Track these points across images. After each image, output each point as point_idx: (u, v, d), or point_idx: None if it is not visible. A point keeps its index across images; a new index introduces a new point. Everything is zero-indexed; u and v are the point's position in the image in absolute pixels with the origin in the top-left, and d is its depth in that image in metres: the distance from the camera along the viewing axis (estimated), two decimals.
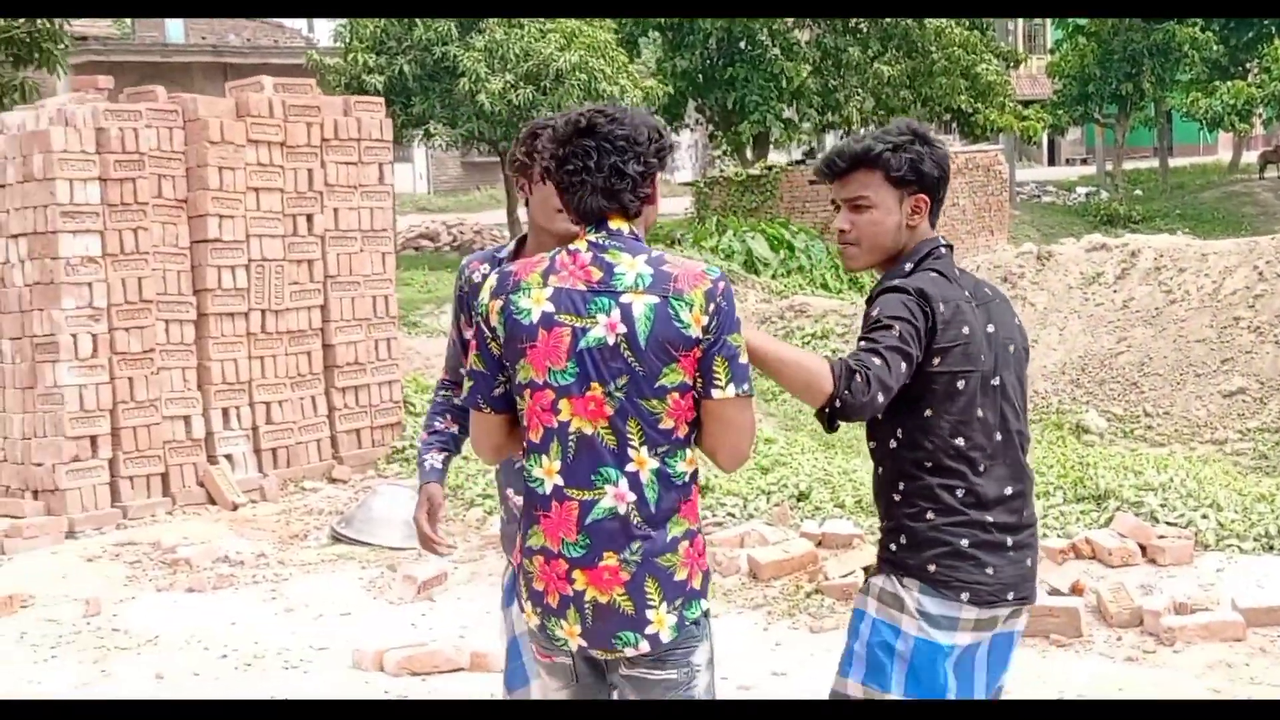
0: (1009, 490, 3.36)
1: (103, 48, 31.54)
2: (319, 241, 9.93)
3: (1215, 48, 37.22)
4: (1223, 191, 40.23)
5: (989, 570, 3.31)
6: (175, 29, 44.51)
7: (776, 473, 8.88)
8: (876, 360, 3.11)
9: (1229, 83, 35.81)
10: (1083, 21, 39.41)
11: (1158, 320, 14.80)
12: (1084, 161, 53.98)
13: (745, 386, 2.98)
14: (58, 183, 8.57)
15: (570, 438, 2.95)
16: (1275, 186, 39.76)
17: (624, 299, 2.92)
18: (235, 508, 9.14)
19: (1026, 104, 37.10)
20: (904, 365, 3.15)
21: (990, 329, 3.35)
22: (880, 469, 3.40)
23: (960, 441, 3.30)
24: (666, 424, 2.95)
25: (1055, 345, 15.16)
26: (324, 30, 45.61)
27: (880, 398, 3.10)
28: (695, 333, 2.91)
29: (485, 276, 3.59)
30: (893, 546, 3.35)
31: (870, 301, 3.34)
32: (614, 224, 2.99)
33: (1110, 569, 6.81)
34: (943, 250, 3.40)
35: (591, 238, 2.99)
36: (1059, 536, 7.20)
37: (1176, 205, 37.72)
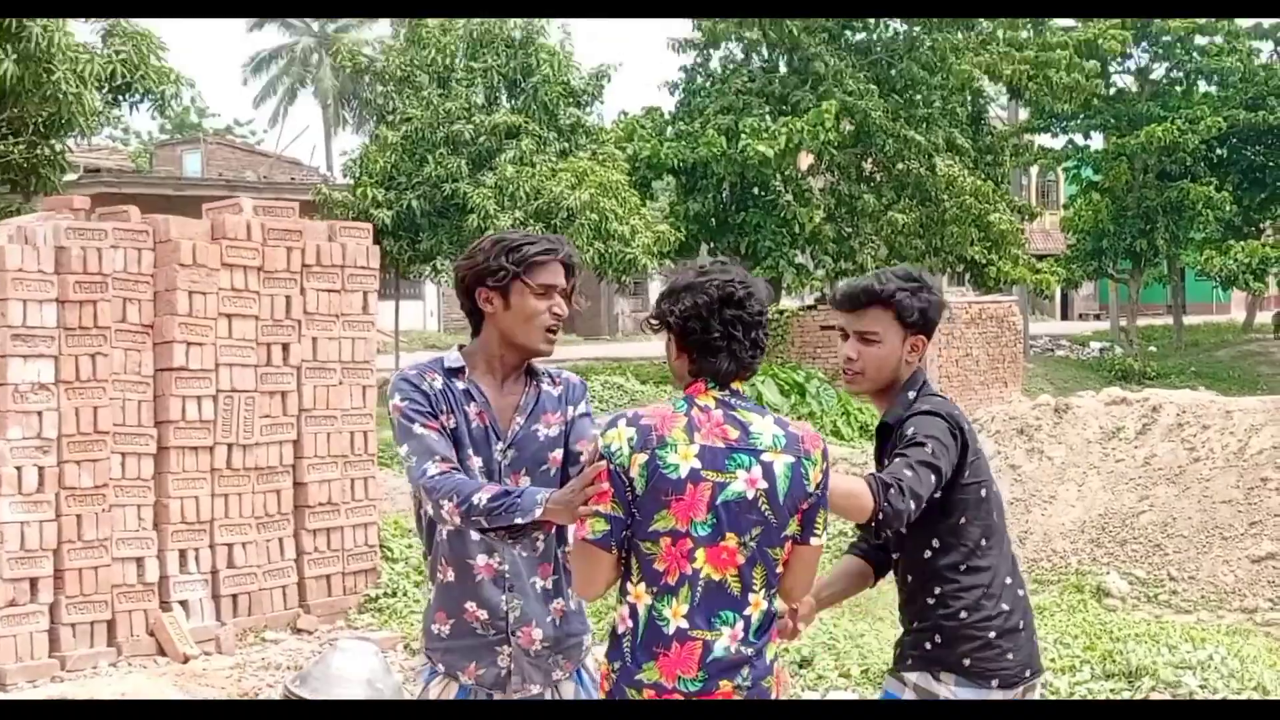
0: (1009, 580, 3.84)
1: (115, 180, 31.37)
2: (294, 372, 9.33)
3: (1229, 207, 36.99)
4: (1238, 350, 39.80)
5: (1010, 655, 3.75)
6: (192, 163, 44.76)
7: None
8: (908, 473, 3.53)
9: (1244, 242, 35.51)
10: (1096, 177, 39.30)
11: (1181, 479, 14.10)
12: (1097, 316, 53.71)
13: (827, 532, 3.41)
14: (10, 303, 7.99)
15: (700, 583, 3.25)
16: None
17: (765, 457, 3.27)
18: (186, 660, 8.40)
19: (1040, 257, 36.80)
20: (933, 478, 3.58)
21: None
22: (910, 577, 3.82)
23: (985, 543, 3.79)
24: (780, 569, 3.34)
25: (1074, 502, 14.45)
26: (341, 167, 45.57)
27: (913, 505, 3.51)
28: (813, 488, 3.32)
29: (443, 384, 3.65)
30: (928, 645, 3.75)
31: (897, 424, 3.75)
32: (735, 384, 3.33)
33: None
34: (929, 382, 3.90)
35: (718, 395, 3.30)
36: None
37: (1191, 362, 37.22)
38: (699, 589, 3.24)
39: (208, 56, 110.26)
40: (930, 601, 3.75)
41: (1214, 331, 44.11)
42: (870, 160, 29.48)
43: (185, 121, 62.43)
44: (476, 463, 3.62)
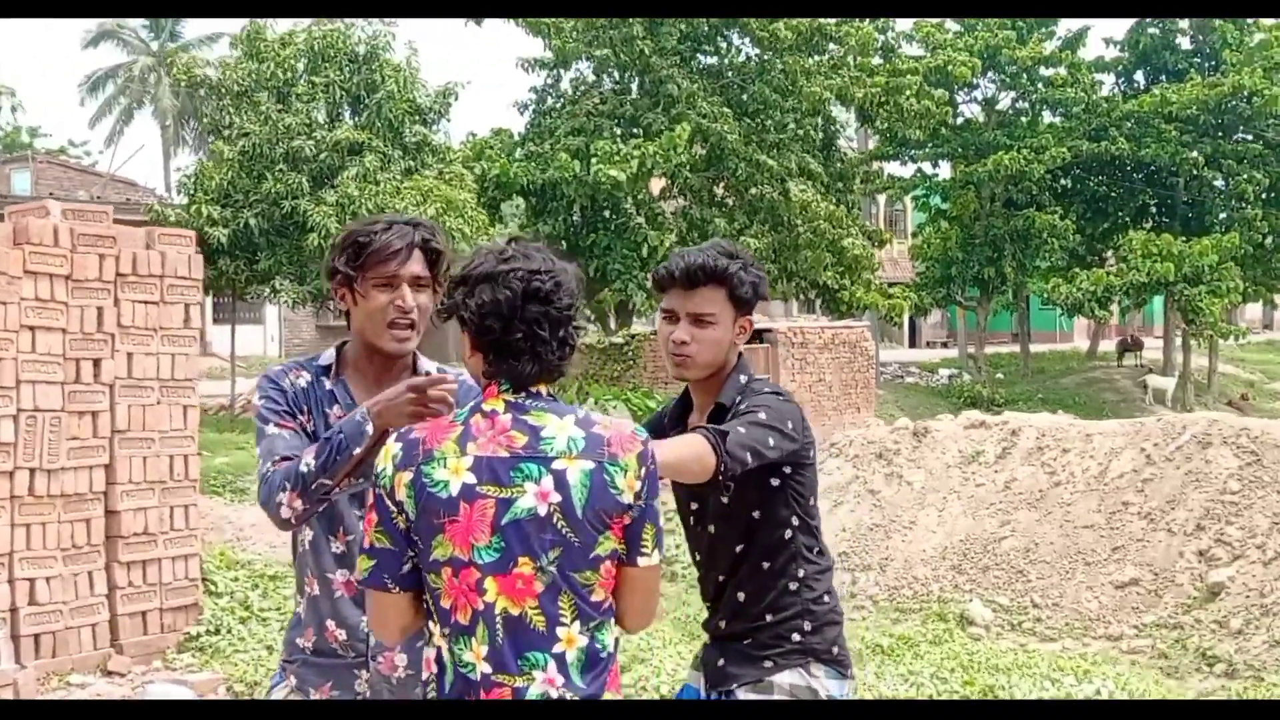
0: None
1: None
2: (107, 391, 8.51)
3: (1073, 236, 37.57)
4: (1083, 377, 40.42)
5: (846, 643, 3.59)
6: (21, 182, 43.00)
7: (635, 671, 7.59)
8: (741, 429, 3.29)
9: (1089, 270, 36.03)
10: (944, 205, 39.69)
11: (1042, 503, 13.88)
12: (944, 344, 54.28)
13: (663, 551, 2.91)
14: None
15: (497, 619, 2.74)
16: (1133, 374, 40.07)
17: (557, 464, 2.76)
18: None
19: (890, 285, 36.93)
20: (770, 438, 3.34)
21: None
22: (767, 563, 3.48)
23: (820, 524, 3.59)
24: (598, 595, 2.81)
25: (934, 527, 14.14)
26: (175, 184, 44.06)
27: (749, 458, 3.27)
28: (628, 499, 2.81)
29: (309, 383, 3.35)
30: (796, 637, 3.46)
31: (732, 404, 3.48)
32: (537, 385, 2.85)
33: None
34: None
35: (510, 398, 2.81)
36: None
37: (1039, 389, 37.64)
38: (497, 626, 2.74)
39: (41, 75, 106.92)
40: (793, 586, 3.49)
41: (1059, 359, 44.77)
42: (723, 184, 29.19)
43: (16, 141, 60.18)
44: None
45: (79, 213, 8.67)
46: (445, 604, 2.78)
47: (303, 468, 3.11)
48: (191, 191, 22.72)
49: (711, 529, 3.56)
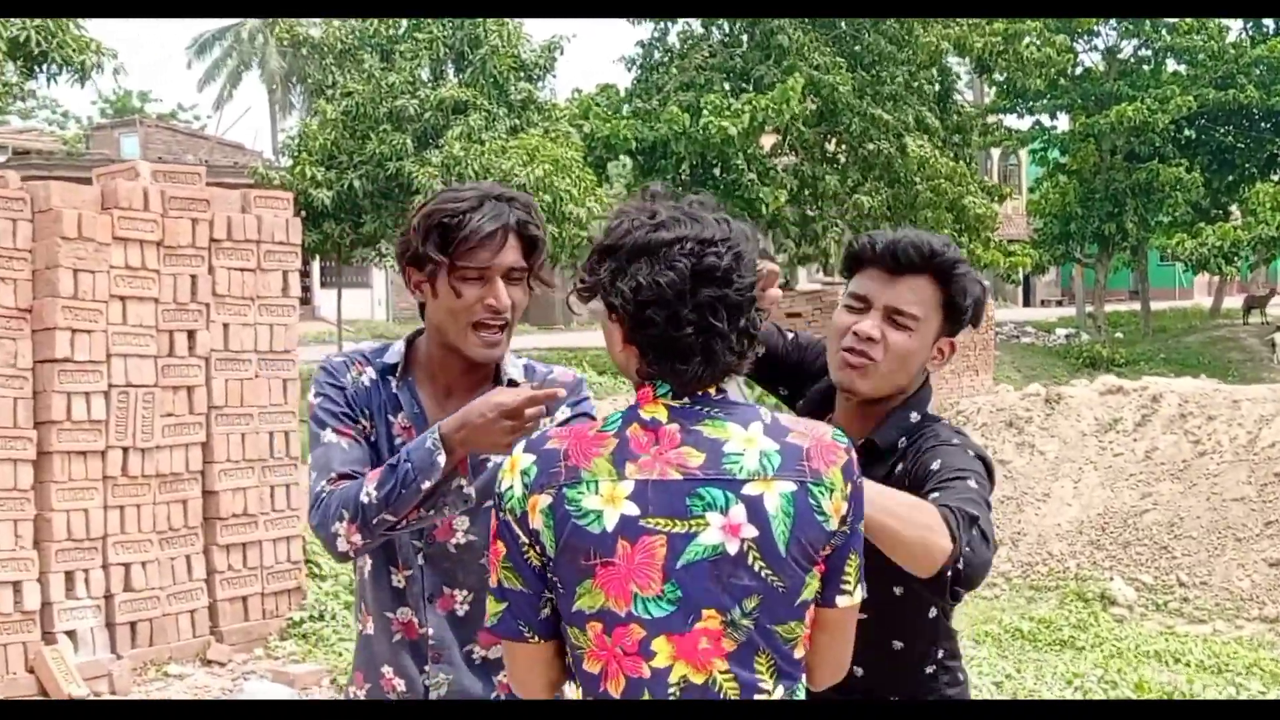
0: None
1: (45, 162, 29.91)
2: (202, 364, 8.06)
3: (1198, 189, 36.19)
4: (1207, 336, 39.05)
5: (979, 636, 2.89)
6: (130, 146, 43.22)
7: None
8: (974, 510, 2.43)
9: (1215, 225, 34.68)
10: (1063, 159, 38.45)
11: (1186, 474, 13.05)
12: (1059, 303, 53.00)
13: (863, 585, 2.26)
14: None
15: (671, 691, 2.09)
16: (1260, 332, 38.61)
17: (749, 489, 2.11)
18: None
19: (1008, 243, 35.89)
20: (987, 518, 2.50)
21: None
22: (899, 643, 2.74)
23: None
24: (800, 651, 2.20)
25: (1070, 500, 13.37)
26: (279, 146, 44.16)
27: (990, 557, 2.48)
28: (834, 525, 2.17)
29: (373, 381, 2.77)
30: (930, 669, 2.76)
31: (893, 450, 2.68)
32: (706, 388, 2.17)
33: None
34: None
35: (672, 403, 2.15)
36: None
37: (1160, 349, 36.44)
38: (670, 698, 2.10)
39: (152, 39, 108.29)
40: (929, 670, 2.75)
41: (1180, 317, 43.42)
42: (836, 140, 28.37)
43: (126, 105, 60.73)
44: None
45: (170, 174, 8.21)
46: (590, 668, 2.17)
47: (364, 497, 2.54)
48: (295, 153, 22.43)
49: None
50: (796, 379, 3.00)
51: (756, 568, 2.11)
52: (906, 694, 2.72)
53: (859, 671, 2.55)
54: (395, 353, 2.81)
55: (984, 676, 6.63)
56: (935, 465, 2.57)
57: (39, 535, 7.42)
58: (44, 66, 18.02)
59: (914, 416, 2.70)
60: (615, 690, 2.13)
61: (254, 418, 8.30)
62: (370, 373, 2.79)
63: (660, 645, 2.10)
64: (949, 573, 2.38)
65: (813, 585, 2.17)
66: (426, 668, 2.74)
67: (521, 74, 22.57)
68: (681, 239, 2.12)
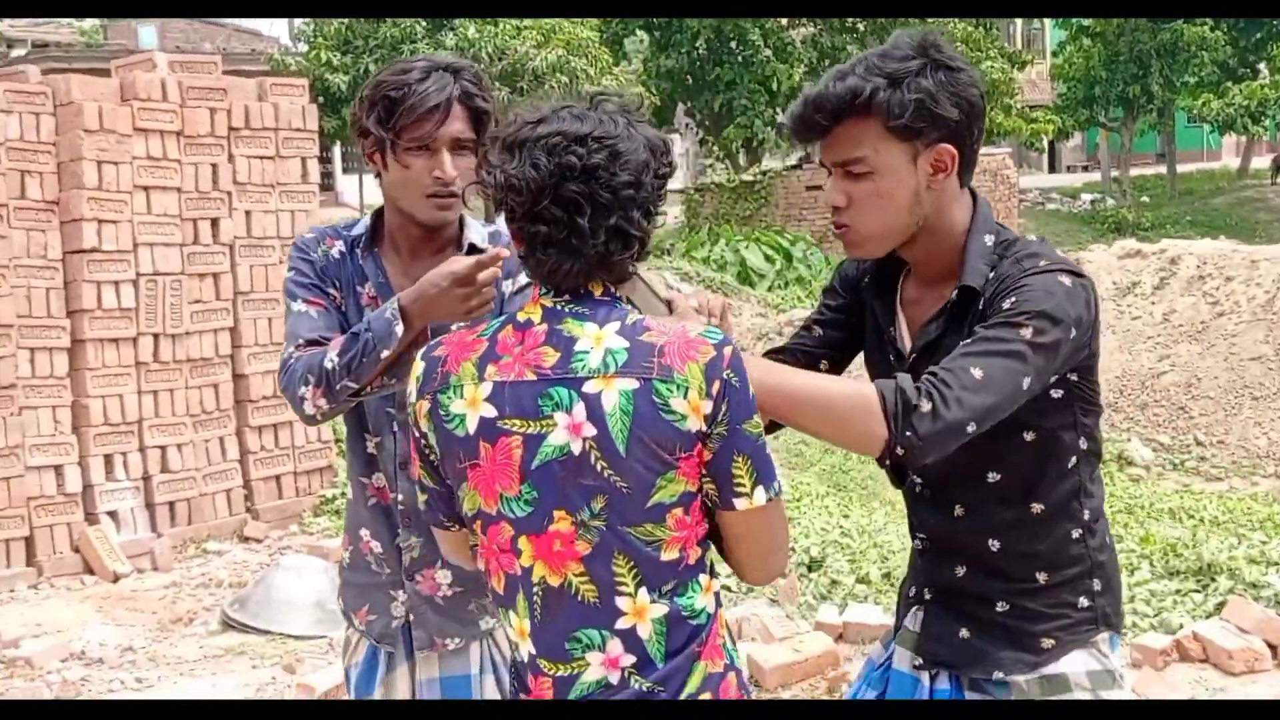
0: None
1: (64, 54, 29.81)
2: (227, 251, 8.24)
3: (1225, 48, 35.63)
4: (1234, 197, 38.68)
5: None
6: (148, 36, 42.98)
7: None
8: (972, 372, 2.17)
9: (1242, 84, 34.25)
10: (1087, 22, 37.89)
11: (1204, 335, 13.14)
12: (1085, 168, 52.44)
13: (775, 485, 2.14)
14: None
15: (535, 591, 2.13)
16: None
17: (589, 387, 2.06)
18: (117, 578, 7.43)
19: (1031, 109, 35.52)
20: (1022, 377, 2.20)
21: None
22: (1038, 505, 2.39)
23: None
24: (670, 554, 2.10)
25: None
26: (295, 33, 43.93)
27: (966, 422, 2.15)
28: (695, 424, 2.06)
29: (342, 254, 2.82)
30: (1084, 601, 2.41)
31: (990, 286, 2.35)
32: (591, 285, 2.15)
33: (1231, 677, 5.12)
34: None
35: (547, 303, 2.14)
36: (1155, 629, 5.51)
37: (1186, 211, 36.14)
38: (536, 599, 2.14)
39: None
40: (1075, 534, 2.40)
41: (1207, 179, 42.92)
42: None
43: None
44: None
45: (187, 65, 8.32)
46: (481, 564, 2.23)
47: (327, 363, 2.60)
48: (310, 39, 22.38)
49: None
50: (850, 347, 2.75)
51: (599, 467, 2.07)
52: (1056, 568, 2.42)
53: (995, 545, 2.43)
54: (362, 225, 2.87)
55: None
56: (1006, 304, 2.28)
57: (77, 421, 7.66)
58: None
59: (988, 239, 2.42)
60: (499, 586, 2.19)
61: (279, 302, 8.49)
62: (340, 246, 2.85)
63: (524, 544, 2.13)
64: (890, 457, 2.19)
65: (670, 487, 2.09)
66: (399, 531, 2.82)
67: None
68: (551, 135, 2.09)
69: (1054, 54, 41.68)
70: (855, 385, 2.22)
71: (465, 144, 2.71)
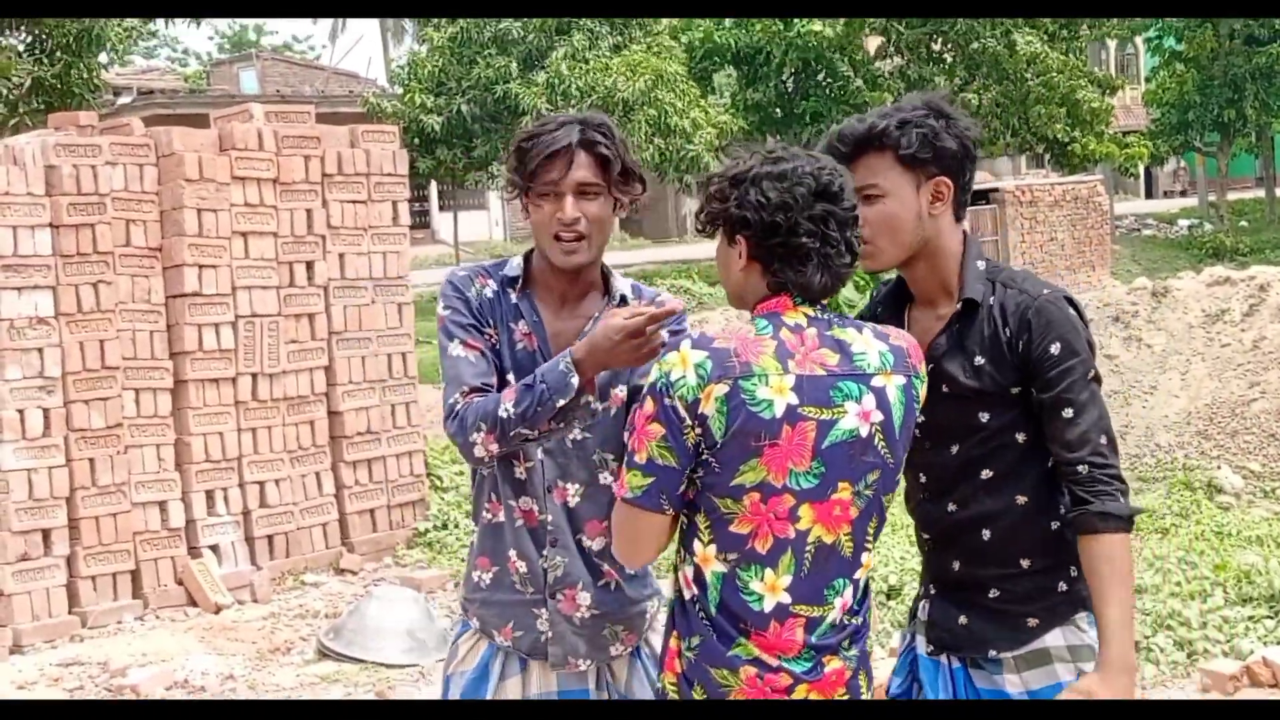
0: None
1: (169, 101, 30.68)
2: (321, 293, 8.55)
3: None
4: None
5: None
6: (249, 81, 44.02)
7: None
8: (1105, 442, 2.75)
9: None
10: (1179, 47, 37.55)
11: None
12: (1183, 193, 51.81)
13: None
14: None
15: (808, 549, 2.59)
16: None
17: (876, 382, 2.60)
18: (219, 610, 7.72)
19: (1125, 135, 35.24)
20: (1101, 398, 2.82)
21: None
22: (1023, 498, 2.84)
23: None
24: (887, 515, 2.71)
25: (1177, 392, 13.43)
26: (389, 76, 44.64)
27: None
28: (919, 409, 2.71)
29: (495, 293, 3.04)
30: (1062, 586, 2.84)
31: (979, 302, 2.86)
32: (826, 299, 2.65)
33: None
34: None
35: (809, 312, 2.61)
36: (1225, 654, 5.58)
37: None
38: (806, 557, 2.58)
39: None
40: (1055, 526, 2.82)
41: None
42: (940, 40, 28.08)
43: (243, 40, 61.66)
44: None
45: (282, 114, 8.66)
46: (739, 530, 2.58)
47: (502, 412, 2.83)
48: (406, 81, 22.87)
49: (954, 449, 2.88)
50: None
51: (880, 447, 2.59)
52: (1038, 555, 2.83)
53: (986, 534, 2.85)
54: (514, 266, 3.06)
55: None
56: (1055, 350, 2.75)
57: (180, 458, 7.99)
58: None
59: (980, 264, 2.90)
60: (762, 547, 2.57)
61: (372, 341, 8.78)
62: (492, 284, 3.04)
63: (805, 511, 2.56)
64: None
65: (903, 464, 2.69)
66: (545, 551, 3.02)
67: None
68: (800, 165, 2.58)
69: (1147, 79, 41.33)
70: (1123, 560, 2.70)
71: (591, 189, 2.94)
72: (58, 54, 17.27)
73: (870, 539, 2.64)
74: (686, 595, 2.66)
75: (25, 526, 7.36)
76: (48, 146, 7.51)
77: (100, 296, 7.62)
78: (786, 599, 2.57)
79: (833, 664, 2.62)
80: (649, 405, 2.57)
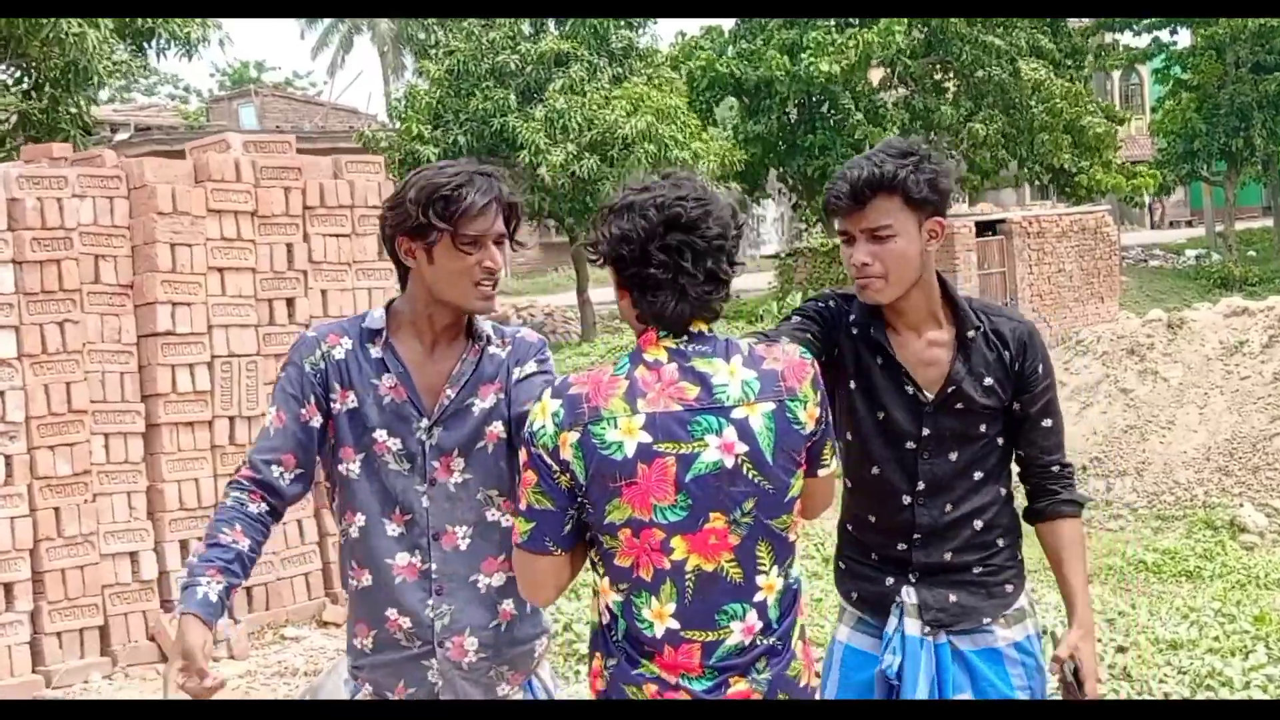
0: None
1: (166, 137, 30.40)
2: (302, 331, 8.13)
3: None
4: None
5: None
6: (248, 117, 43.84)
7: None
8: (1058, 430, 3.31)
9: None
10: (1185, 76, 37.30)
11: None
12: (1189, 223, 51.55)
13: (838, 455, 2.90)
14: None
15: (688, 578, 2.63)
16: None
17: (737, 413, 2.62)
18: None
19: (1131, 164, 34.92)
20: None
21: None
22: (996, 486, 3.26)
23: None
24: (793, 535, 2.74)
25: (1195, 426, 13.02)
26: (388, 109, 44.45)
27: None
28: (811, 428, 2.70)
29: (349, 352, 3.08)
30: (1019, 555, 3.30)
31: (991, 338, 3.22)
32: (695, 326, 2.67)
33: None
34: None
35: (670, 344, 2.65)
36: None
37: None
38: (688, 585, 2.64)
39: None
40: (1004, 494, 3.28)
41: None
42: (945, 70, 27.79)
43: (243, 76, 61.55)
44: (393, 444, 3.06)
45: (261, 145, 8.27)
46: (622, 562, 2.66)
47: (200, 541, 3.09)
48: (403, 114, 22.57)
49: (953, 456, 3.19)
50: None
51: (751, 476, 2.61)
52: (1007, 531, 3.26)
53: (979, 524, 3.21)
54: (376, 319, 3.10)
55: (1095, 615, 6.37)
56: (1040, 369, 3.20)
57: (152, 506, 7.57)
58: (152, 42, 18.32)
59: (962, 295, 3.25)
60: (646, 575, 2.63)
61: None
62: (346, 342, 3.09)
63: (677, 543, 2.60)
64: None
65: (799, 483, 2.68)
66: (430, 600, 3.04)
67: (622, 22, 22.42)
68: (655, 195, 2.61)
69: (1153, 109, 41.08)
70: (1079, 534, 3.28)
71: (503, 238, 3.08)
72: (45, 88, 16.94)
73: (766, 563, 2.66)
74: (603, 620, 2.75)
75: None
76: (9, 178, 7.12)
77: (66, 336, 7.22)
78: (675, 624, 2.64)
79: (738, 685, 2.66)
80: (523, 453, 2.69)
